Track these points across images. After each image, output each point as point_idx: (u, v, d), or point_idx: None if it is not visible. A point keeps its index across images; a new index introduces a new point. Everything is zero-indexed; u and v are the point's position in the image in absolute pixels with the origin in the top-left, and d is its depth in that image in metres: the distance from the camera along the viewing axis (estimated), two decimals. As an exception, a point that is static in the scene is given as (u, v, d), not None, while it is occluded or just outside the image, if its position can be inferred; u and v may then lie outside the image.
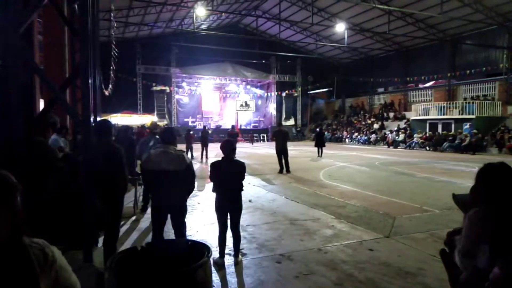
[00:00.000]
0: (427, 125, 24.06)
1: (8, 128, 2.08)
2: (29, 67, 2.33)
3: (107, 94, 17.08)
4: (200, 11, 22.44)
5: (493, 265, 1.89)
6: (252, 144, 28.51)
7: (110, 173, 3.58)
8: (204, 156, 16.03)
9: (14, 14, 2.02)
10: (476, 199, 2.11)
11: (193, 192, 4.26)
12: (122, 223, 4.91)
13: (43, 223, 2.65)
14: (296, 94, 34.99)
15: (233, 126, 19.86)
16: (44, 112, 2.79)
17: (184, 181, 3.83)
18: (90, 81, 2.71)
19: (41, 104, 7.40)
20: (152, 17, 26.05)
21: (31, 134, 2.51)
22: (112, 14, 16.47)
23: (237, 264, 4.12)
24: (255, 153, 20.00)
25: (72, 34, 6.20)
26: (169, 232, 4.22)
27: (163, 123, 26.53)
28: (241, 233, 4.40)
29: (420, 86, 29.24)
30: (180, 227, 4.00)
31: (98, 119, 3.81)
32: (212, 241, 4.80)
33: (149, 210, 6.41)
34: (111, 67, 17.27)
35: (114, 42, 15.42)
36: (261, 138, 31.99)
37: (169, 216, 4.00)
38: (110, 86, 18.06)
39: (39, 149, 3.13)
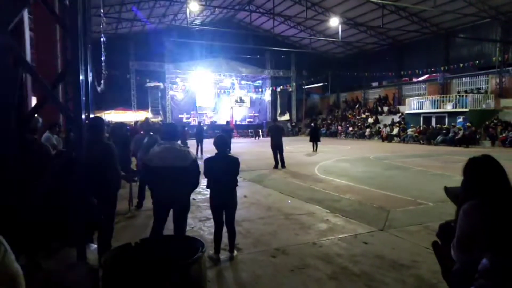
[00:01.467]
0: (421, 118, 24.20)
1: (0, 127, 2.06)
2: (20, 65, 2.31)
3: (99, 90, 16.97)
4: (194, 6, 22.17)
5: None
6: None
7: (102, 170, 3.57)
8: (199, 152, 16.01)
9: (3, 11, 1.99)
10: (467, 193, 2.14)
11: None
12: (117, 220, 4.90)
13: (36, 221, 2.64)
14: (290, 89, 34.95)
15: (228, 122, 19.82)
16: (35, 110, 2.77)
17: (189, 177, 3.82)
18: (81, 78, 2.69)
19: (34, 102, 7.33)
20: (145, 13, 25.82)
21: (23, 132, 2.49)
22: (102, 10, 16.28)
23: (233, 259, 4.14)
24: (250, 148, 20.00)
25: (63, 31, 6.13)
26: (166, 228, 4.21)
27: (157, 119, 26.41)
28: (236, 228, 4.41)
29: (414, 80, 29.35)
30: (182, 223, 4.00)
31: (91, 116, 3.79)
32: (208, 237, 4.82)
33: (144, 206, 6.45)
34: (102, 64, 17.15)
35: (104, 39, 15.28)
36: (256, 133, 31.96)
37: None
38: (102, 82, 17.96)
39: (32, 147, 3.11)
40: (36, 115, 3.19)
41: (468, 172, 2.16)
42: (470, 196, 2.09)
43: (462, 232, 2.06)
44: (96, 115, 4.93)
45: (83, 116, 2.85)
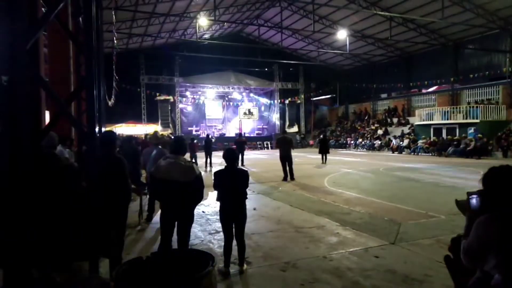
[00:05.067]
0: (431, 130, 23.99)
1: (15, 142, 2.12)
2: (36, 82, 2.39)
3: (110, 104, 17.28)
4: (203, 21, 22.66)
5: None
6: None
7: (113, 183, 3.61)
8: (208, 164, 16.08)
9: (21, 31, 2.07)
10: (485, 204, 2.08)
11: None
12: (127, 233, 4.93)
13: (50, 234, 2.68)
14: (299, 101, 35.04)
15: (240, 134, 19.91)
16: (51, 125, 2.84)
17: (193, 192, 3.87)
18: (95, 93, 2.76)
19: (47, 116, 7.47)
20: (155, 28, 26.35)
21: (38, 147, 2.55)
22: (114, 27, 16.68)
23: (242, 272, 4.12)
24: (259, 160, 20.01)
25: (77, 48, 6.29)
26: (174, 241, 4.23)
27: (166, 132, 26.66)
28: (246, 242, 4.40)
29: (423, 91, 29.21)
30: (184, 236, 4.03)
31: (103, 130, 3.85)
32: (217, 250, 4.81)
33: (154, 219, 6.47)
34: (114, 78, 17.48)
35: (114, 55, 15.62)
36: (265, 145, 32.02)
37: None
38: (112, 96, 18.29)
39: (47, 161, 3.18)
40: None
41: (488, 183, 2.08)
42: (488, 207, 2.03)
43: (472, 244, 2.02)
44: (107, 128, 5.01)
45: (96, 130, 2.91)
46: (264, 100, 35.85)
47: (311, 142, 33.37)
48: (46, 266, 2.63)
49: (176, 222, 4.00)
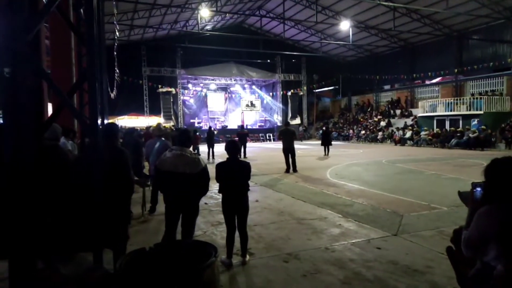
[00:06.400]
0: (435, 121, 23.89)
1: (19, 135, 2.13)
2: (38, 74, 2.38)
3: (112, 97, 17.30)
4: (204, 12, 22.52)
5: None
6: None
7: (115, 175, 3.62)
8: (210, 157, 16.11)
9: (22, 22, 2.06)
10: (487, 195, 2.08)
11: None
12: (130, 224, 4.95)
13: (54, 225, 2.70)
14: (301, 93, 34.91)
15: (242, 126, 19.89)
16: (53, 117, 2.84)
17: (199, 184, 3.89)
18: (97, 85, 2.75)
19: (49, 108, 7.48)
20: (157, 19, 26.21)
21: (42, 139, 2.56)
22: (115, 18, 16.59)
23: (245, 264, 4.15)
24: (262, 152, 20.03)
25: (78, 40, 6.26)
26: (178, 233, 4.25)
27: (169, 124, 26.68)
28: (249, 233, 4.42)
29: (427, 82, 29.01)
30: (189, 227, 4.06)
31: (105, 122, 3.85)
32: (220, 241, 4.84)
33: (158, 211, 6.51)
34: (116, 70, 17.46)
35: (116, 47, 15.57)
36: (267, 137, 32.01)
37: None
38: (114, 88, 18.30)
39: (51, 153, 3.19)
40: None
41: (490, 175, 2.08)
42: (489, 199, 2.04)
43: (472, 235, 2.03)
44: (110, 120, 5.01)
45: (99, 122, 2.90)
46: (268, 98, 35.54)
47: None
48: (50, 257, 2.65)
49: (181, 214, 4.02)
